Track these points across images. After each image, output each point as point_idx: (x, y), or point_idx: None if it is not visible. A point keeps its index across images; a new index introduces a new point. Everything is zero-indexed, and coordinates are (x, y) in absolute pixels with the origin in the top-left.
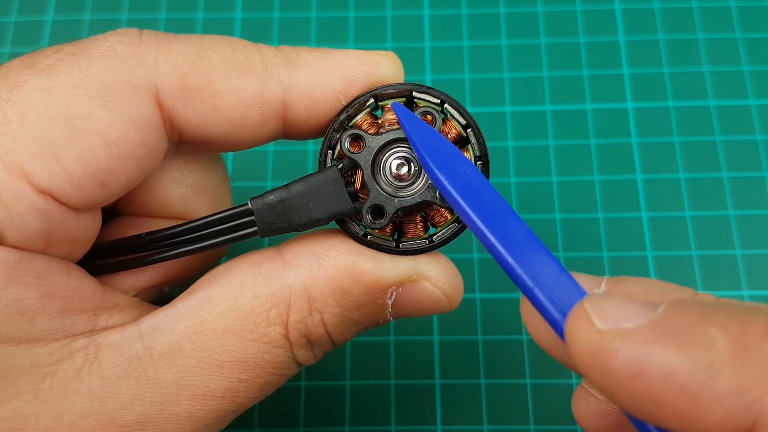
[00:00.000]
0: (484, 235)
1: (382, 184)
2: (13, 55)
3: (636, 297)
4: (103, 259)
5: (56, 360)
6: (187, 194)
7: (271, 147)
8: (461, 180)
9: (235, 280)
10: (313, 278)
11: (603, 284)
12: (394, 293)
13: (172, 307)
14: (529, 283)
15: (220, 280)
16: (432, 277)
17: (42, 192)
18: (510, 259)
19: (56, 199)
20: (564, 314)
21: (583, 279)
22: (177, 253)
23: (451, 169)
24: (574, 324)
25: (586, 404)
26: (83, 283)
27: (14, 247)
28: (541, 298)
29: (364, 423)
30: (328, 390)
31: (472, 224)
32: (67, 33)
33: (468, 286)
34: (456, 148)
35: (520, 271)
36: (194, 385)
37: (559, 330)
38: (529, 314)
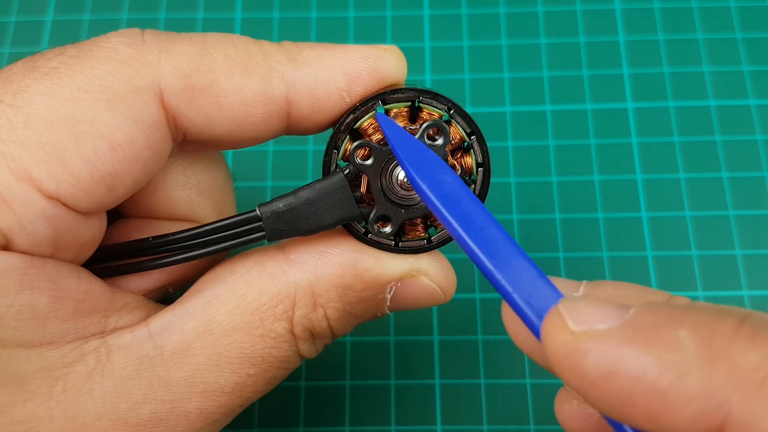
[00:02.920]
0: (464, 241)
1: (389, 194)
2: (13, 56)
3: (612, 300)
4: (108, 261)
5: (69, 362)
6: (192, 196)
7: (271, 147)
8: (443, 188)
9: (240, 278)
10: (317, 275)
11: (581, 288)
12: (394, 288)
13: (179, 306)
14: (508, 287)
15: (226, 279)
16: (430, 272)
17: (50, 197)
18: (489, 264)
19: (64, 204)
20: (541, 317)
21: (561, 283)
22: (184, 258)
23: (433, 177)
24: (548, 326)
25: (568, 406)
26: (93, 285)
27: (24, 252)
28: (519, 301)
29: (364, 423)
30: (328, 390)
31: (452, 231)
32: (67, 33)
33: (468, 287)
34: (438, 156)
35: (498, 275)
36: (205, 382)
37: (536, 332)
38: (509, 318)
